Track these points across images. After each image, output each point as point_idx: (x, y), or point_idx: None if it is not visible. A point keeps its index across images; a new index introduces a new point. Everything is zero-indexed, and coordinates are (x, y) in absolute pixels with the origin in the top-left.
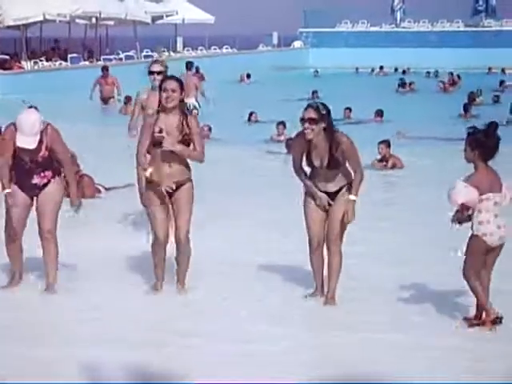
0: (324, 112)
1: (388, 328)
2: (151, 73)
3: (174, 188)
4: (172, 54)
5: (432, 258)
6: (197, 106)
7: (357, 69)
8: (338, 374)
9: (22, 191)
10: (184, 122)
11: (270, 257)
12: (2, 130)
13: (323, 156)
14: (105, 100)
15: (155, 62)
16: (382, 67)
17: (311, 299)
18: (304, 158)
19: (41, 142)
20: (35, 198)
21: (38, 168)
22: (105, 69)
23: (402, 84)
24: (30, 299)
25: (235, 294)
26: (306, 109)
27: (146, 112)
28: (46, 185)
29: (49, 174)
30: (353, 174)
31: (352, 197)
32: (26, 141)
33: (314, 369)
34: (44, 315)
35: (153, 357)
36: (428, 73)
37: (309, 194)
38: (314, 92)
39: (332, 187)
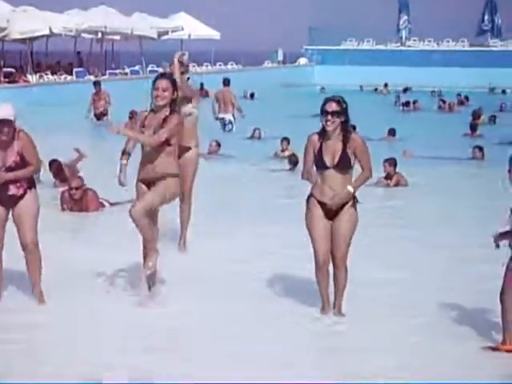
0: (344, 106)
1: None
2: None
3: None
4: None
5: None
6: (233, 121)
7: (361, 87)
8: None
9: None
10: (166, 120)
11: (275, 268)
12: None
13: (335, 152)
14: (98, 116)
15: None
16: (386, 85)
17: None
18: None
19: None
20: (11, 211)
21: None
22: (97, 84)
23: (406, 103)
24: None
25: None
26: (326, 102)
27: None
28: (22, 196)
29: (24, 183)
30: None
31: (350, 188)
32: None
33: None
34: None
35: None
36: (433, 92)
37: (313, 204)
38: None
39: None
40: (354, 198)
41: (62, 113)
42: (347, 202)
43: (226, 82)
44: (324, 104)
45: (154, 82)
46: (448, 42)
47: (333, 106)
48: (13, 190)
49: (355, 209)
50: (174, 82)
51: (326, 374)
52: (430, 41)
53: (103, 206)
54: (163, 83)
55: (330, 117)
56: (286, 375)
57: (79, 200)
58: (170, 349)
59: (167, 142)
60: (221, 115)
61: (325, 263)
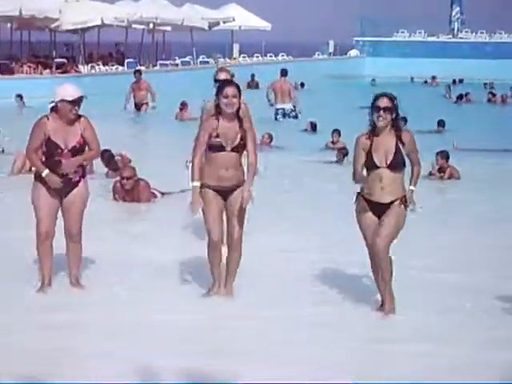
0: (395, 102)
1: None
2: (217, 81)
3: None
4: (228, 60)
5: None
6: (295, 110)
7: (412, 78)
8: None
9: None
10: (240, 127)
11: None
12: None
13: (388, 150)
14: (138, 106)
15: (221, 69)
16: (434, 77)
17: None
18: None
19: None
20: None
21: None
22: (138, 73)
23: (460, 96)
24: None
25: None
26: (378, 98)
27: None
28: (77, 183)
29: (80, 169)
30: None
31: (412, 187)
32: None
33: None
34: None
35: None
36: (485, 84)
37: (361, 207)
38: None
39: (387, 197)
40: (403, 197)
41: (112, 103)
42: (396, 199)
43: (284, 73)
44: (375, 99)
45: (221, 89)
46: (500, 33)
47: (385, 102)
48: (72, 175)
49: (405, 208)
50: (238, 87)
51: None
52: (482, 32)
53: (155, 196)
54: (232, 90)
55: (382, 112)
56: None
57: (131, 190)
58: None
59: (243, 147)
60: (278, 105)
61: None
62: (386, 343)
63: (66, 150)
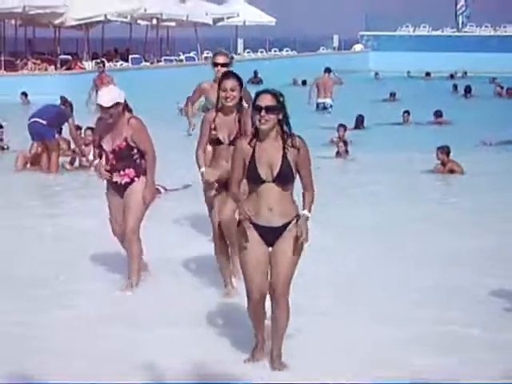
0: (282, 100)
1: None
2: (215, 64)
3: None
4: (233, 55)
5: None
6: (332, 104)
7: (408, 72)
8: None
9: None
10: (238, 120)
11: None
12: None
13: (273, 160)
14: None
15: (219, 53)
16: (428, 73)
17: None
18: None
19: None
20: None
21: (118, 163)
22: (102, 64)
23: (467, 88)
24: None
25: None
26: (259, 95)
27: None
28: (129, 183)
29: (130, 172)
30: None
31: (307, 213)
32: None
33: None
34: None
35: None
36: (491, 78)
37: (242, 231)
38: (392, 94)
39: (277, 220)
40: (297, 216)
41: None
42: (290, 222)
43: (328, 70)
44: (256, 97)
45: (220, 82)
46: (505, 27)
47: (267, 100)
48: (116, 178)
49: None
50: (239, 79)
51: None
52: (487, 26)
53: (159, 192)
54: (231, 83)
55: (264, 113)
56: None
57: None
58: None
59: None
60: (320, 100)
61: (261, 297)
62: None
63: (109, 153)
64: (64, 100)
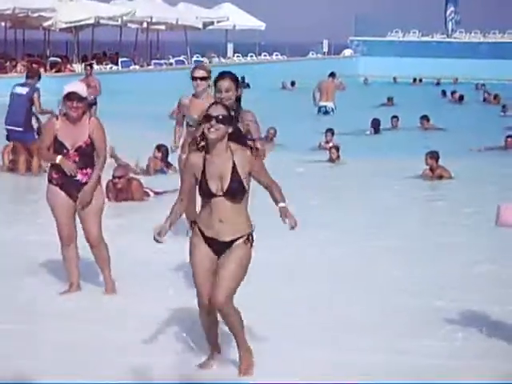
0: (233, 113)
1: None
2: (194, 78)
3: None
4: (222, 59)
5: None
6: (334, 108)
7: (394, 78)
8: None
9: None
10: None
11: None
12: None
13: (223, 173)
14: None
15: (198, 67)
16: (415, 80)
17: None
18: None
19: (84, 129)
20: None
21: (80, 161)
22: (89, 66)
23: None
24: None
25: None
26: (211, 105)
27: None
28: (85, 184)
29: (89, 171)
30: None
31: (283, 204)
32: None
33: None
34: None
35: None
36: (477, 84)
37: (194, 241)
38: (390, 99)
39: (227, 235)
40: (249, 235)
41: (108, 102)
42: (240, 237)
43: (332, 75)
44: (208, 107)
45: (216, 82)
46: (495, 33)
47: (219, 110)
48: (78, 176)
49: (250, 246)
50: (235, 79)
51: None
52: (476, 32)
53: (148, 195)
54: (225, 84)
55: (214, 122)
56: None
57: (123, 189)
58: None
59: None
60: (322, 103)
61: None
62: None
63: (71, 150)
64: (30, 64)
